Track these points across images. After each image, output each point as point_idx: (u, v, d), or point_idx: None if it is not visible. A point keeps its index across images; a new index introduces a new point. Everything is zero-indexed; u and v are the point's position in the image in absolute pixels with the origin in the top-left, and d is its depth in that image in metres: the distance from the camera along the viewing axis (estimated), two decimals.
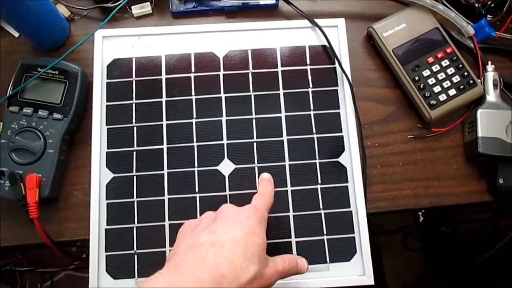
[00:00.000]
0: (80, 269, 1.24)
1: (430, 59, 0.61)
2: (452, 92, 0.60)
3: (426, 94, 0.60)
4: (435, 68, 0.61)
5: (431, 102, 0.60)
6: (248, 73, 0.62)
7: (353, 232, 0.57)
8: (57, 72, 0.59)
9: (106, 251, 0.56)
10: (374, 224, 0.57)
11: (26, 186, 0.55)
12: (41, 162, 0.57)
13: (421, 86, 0.60)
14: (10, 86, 0.59)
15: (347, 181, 0.59)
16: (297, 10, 0.65)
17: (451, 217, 1.16)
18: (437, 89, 0.60)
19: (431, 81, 0.61)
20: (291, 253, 0.57)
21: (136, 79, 0.61)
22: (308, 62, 0.63)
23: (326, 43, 0.62)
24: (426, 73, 0.61)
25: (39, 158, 0.57)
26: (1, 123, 0.59)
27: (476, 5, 0.64)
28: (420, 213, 1.22)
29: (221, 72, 0.62)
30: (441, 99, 0.60)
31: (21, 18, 0.58)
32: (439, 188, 0.61)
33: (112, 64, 0.62)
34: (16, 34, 0.65)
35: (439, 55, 0.62)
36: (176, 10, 0.66)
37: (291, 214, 0.58)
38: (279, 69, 0.62)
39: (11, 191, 0.55)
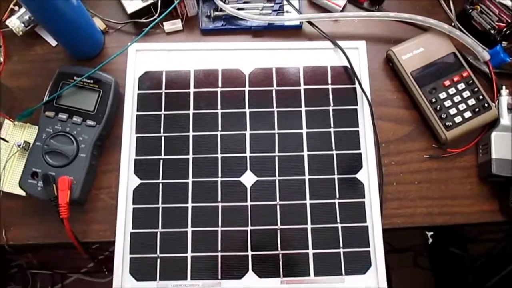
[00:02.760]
0: (92, 273, 1.25)
1: (447, 82, 0.64)
2: (467, 114, 0.63)
3: (442, 116, 0.63)
4: (451, 91, 0.64)
5: (447, 123, 0.62)
6: (272, 90, 0.65)
7: (369, 246, 0.59)
8: (92, 81, 0.63)
9: (130, 253, 0.59)
10: (384, 242, 0.59)
11: (58, 188, 0.58)
12: (73, 165, 0.60)
13: (438, 108, 0.63)
14: (46, 92, 0.62)
15: (364, 197, 0.61)
16: (320, 32, 0.68)
17: (460, 237, 1.16)
18: (453, 111, 0.63)
19: (447, 103, 0.63)
20: (308, 264, 0.58)
21: (166, 91, 0.65)
22: (329, 81, 0.65)
23: (347, 64, 0.65)
24: (442, 95, 0.63)
25: (71, 161, 0.60)
26: (37, 127, 0.62)
27: (492, 31, 0.66)
28: (428, 234, 1.23)
29: (247, 88, 0.65)
30: (457, 121, 0.62)
31: (60, 28, 0.61)
32: (452, 207, 0.63)
33: (144, 76, 0.65)
34: (54, 43, 0.69)
35: (455, 79, 0.64)
36: (205, 27, 0.69)
37: (309, 226, 0.60)
38: (302, 87, 0.65)
39: (43, 192, 0.58)
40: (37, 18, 0.61)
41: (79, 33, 0.64)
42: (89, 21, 0.65)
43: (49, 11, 0.56)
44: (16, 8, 0.67)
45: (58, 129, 0.61)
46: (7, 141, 0.63)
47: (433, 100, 0.63)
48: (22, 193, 0.60)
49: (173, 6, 0.65)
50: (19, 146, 0.61)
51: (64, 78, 0.62)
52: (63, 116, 0.61)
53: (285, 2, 0.69)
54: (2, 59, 0.67)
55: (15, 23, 0.66)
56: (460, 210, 0.62)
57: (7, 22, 0.66)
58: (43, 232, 0.62)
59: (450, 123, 0.62)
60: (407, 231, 0.79)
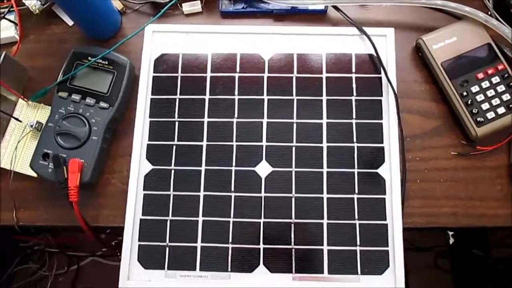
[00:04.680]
0: (107, 257, 1.26)
1: (480, 75, 0.60)
2: (501, 110, 0.59)
3: (474, 111, 0.59)
4: (485, 84, 0.59)
5: (478, 119, 0.58)
6: (292, 77, 0.62)
7: (387, 246, 0.56)
8: (106, 63, 0.61)
9: (139, 240, 0.57)
10: (404, 240, 0.56)
11: (69, 170, 0.56)
12: (85, 148, 0.58)
13: (469, 102, 0.59)
14: (61, 72, 0.61)
15: (384, 193, 0.58)
16: (346, 17, 0.64)
17: (484, 240, 1.12)
18: (485, 106, 0.59)
19: (480, 97, 0.59)
20: (322, 261, 0.56)
21: (182, 75, 0.62)
22: (353, 70, 0.62)
23: (373, 52, 0.62)
24: (474, 89, 0.59)
25: (83, 144, 0.58)
26: (50, 108, 0.61)
27: None
28: (449, 233, 1.19)
29: (265, 74, 0.62)
30: (489, 117, 0.58)
31: (77, 7, 0.60)
32: (480, 208, 0.59)
33: (160, 59, 0.63)
34: (70, 23, 0.68)
35: (490, 72, 0.60)
36: (225, 10, 0.67)
37: (325, 221, 0.57)
38: (324, 75, 0.62)
39: (53, 173, 0.57)
40: None
41: (95, 13, 0.62)
42: (106, 1, 0.63)
43: None
44: None
45: (71, 110, 0.59)
46: (20, 121, 0.62)
47: (464, 93, 0.59)
48: (34, 174, 0.60)
49: None
50: (31, 126, 0.60)
51: (78, 58, 0.61)
52: (76, 97, 0.60)
53: None
54: (18, 38, 0.66)
55: (32, 1, 0.65)
56: (488, 212, 0.58)
57: (24, 0, 0.65)
58: (53, 215, 0.61)
59: (482, 119, 0.58)
60: (429, 229, 0.76)
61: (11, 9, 0.66)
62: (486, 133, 0.58)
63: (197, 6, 0.66)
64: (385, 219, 0.57)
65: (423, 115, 0.62)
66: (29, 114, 0.63)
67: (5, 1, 0.68)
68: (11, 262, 1.23)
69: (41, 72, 0.66)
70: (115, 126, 0.62)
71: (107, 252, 1.22)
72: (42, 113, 0.63)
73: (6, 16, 0.66)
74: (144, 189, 0.59)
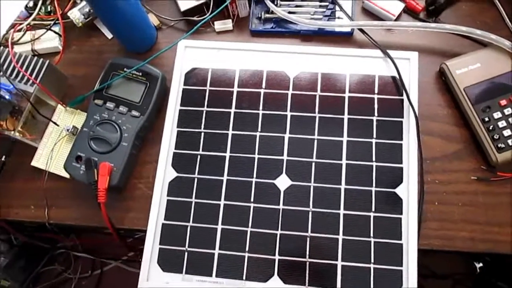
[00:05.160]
0: (130, 262, 1.29)
1: (503, 102, 0.60)
2: None
3: (495, 137, 0.59)
4: (507, 111, 0.60)
5: (499, 145, 0.58)
6: (315, 95, 0.64)
7: (401, 265, 0.56)
8: (140, 74, 0.65)
9: (160, 244, 0.60)
10: (422, 265, 0.56)
11: (99, 173, 0.60)
12: (115, 153, 0.62)
13: (491, 128, 0.59)
14: (98, 81, 0.65)
15: (401, 213, 0.58)
16: (371, 40, 0.66)
17: (510, 272, 1.08)
18: (507, 132, 0.59)
19: (502, 123, 0.59)
20: (336, 276, 0.57)
21: (210, 88, 0.66)
22: (376, 91, 0.64)
23: (396, 74, 0.63)
24: (497, 115, 0.60)
25: (113, 149, 0.62)
26: (86, 114, 0.65)
27: None
28: (477, 265, 1.16)
29: (290, 92, 0.65)
30: (510, 143, 0.58)
31: (117, 22, 0.64)
32: (498, 234, 0.58)
33: (190, 72, 0.67)
34: (109, 36, 0.72)
35: None
36: (255, 29, 0.70)
37: (340, 237, 0.58)
38: (346, 94, 0.64)
39: (85, 175, 0.60)
40: (96, 11, 0.64)
41: (134, 28, 0.66)
42: (144, 17, 0.67)
43: (108, 5, 0.58)
44: (78, 0, 0.71)
45: (105, 117, 0.63)
46: (58, 125, 0.66)
47: (486, 119, 0.60)
48: (66, 175, 0.63)
49: (224, 5, 0.66)
50: (68, 130, 0.64)
51: (115, 69, 0.65)
52: (110, 105, 0.63)
53: (337, 8, 0.68)
54: (61, 48, 0.71)
55: (75, 14, 0.70)
56: (506, 239, 0.58)
57: (68, 14, 0.70)
58: (81, 215, 0.64)
59: (503, 145, 0.59)
60: (450, 257, 0.75)
61: (56, 22, 0.71)
62: (507, 159, 0.58)
63: (228, 25, 0.70)
64: (400, 239, 0.57)
65: (444, 138, 0.63)
66: (66, 119, 0.67)
67: (51, 14, 0.73)
68: (39, 262, 1.28)
69: (80, 80, 0.70)
70: (144, 134, 0.65)
71: (131, 257, 1.25)
72: (78, 119, 0.67)
73: (52, 28, 0.71)
74: (168, 195, 0.62)
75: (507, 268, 1.09)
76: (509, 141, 0.59)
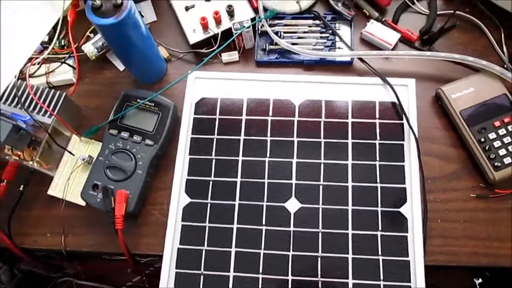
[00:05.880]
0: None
1: (497, 123, 0.64)
2: None
3: (491, 156, 0.63)
4: (502, 132, 0.64)
5: (496, 164, 0.62)
6: (320, 121, 0.68)
7: (410, 282, 0.59)
8: (153, 104, 0.68)
9: (176, 268, 0.62)
10: (430, 284, 0.58)
11: (116, 200, 0.62)
12: (130, 180, 0.64)
13: (487, 148, 0.63)
14: (112, 112, 0.68)
15: (407, 231, 0.61)
16: (371, 68, 0.70)
17: None
18: (502, 152, 0.63)
19: (497, 143, 0.63)
20: None
21: (220, 117, 0.69)
22: (377, 116, 0.67)
23: (395, 100, 0.67)
24: (492, 135, 0.64)
25: (129, 177, 0.64)
26: (100, 143, 0.67)
27: None
28: (476, 281, 1.17)
29: (296, 118, 0.68)
30: (506, 162, 0.62)
31: (130, 55, 0.67)
32: (499, 249, 0.61)
33: (200, 102, 0.70)
34: (121, 68, 0.76)
35: (506, 120, 0.64)
36: (260, 59, 0.74)
37: (350, 256, 0.60)
38: (349, 120, 0.67)
39: (102, 203, 0.63)
40: (111, 45, 0.67)
41: (146, 60, 0.70)
42: (155, 50, 0.71)
43: (124, 39, 0.61)
44: (92, 35, 0.75)
45: (120, 146, 0.66)
46: (73, 154, 0.69)
47: (482, 139, 0.64)
48: (82, 203, 0.66)
49: (231, 39, 0.70)
50: (83, 159, 0.67)
51: (128, 100, 0.68)
52: (125, 134, 0.66)
53: (337, 39, 0.73)
54: (75, 80, 0.74)
55: (89, 48, 0.73)
56: (507, 253, 0.61)
57: (83, 47, 0.73)
58: (97, 241, 0.66)
59: (499, 164, 0.62)
60: (450, 273, 0.78)
61: (71, 55, 0.74)
62: (503, 177, 0.62)
63: (234, 56, 0.74)
64: (407, 256, 0.60)
65: (443, 159, 0.66)
66: (81, 148, 0.69)
67: (64, 48, 0.77)
68: None
69: (93, 111, 0.73)
70: (158, 162, 0.68)
71: (136, 282, 1.25)
72: (92, 148, 0.69)
73: (66, 61, 0.75)
74: (182, 220, 0.64)
75: (507, 283, 1.11)
76: (504, 159, 0.62)
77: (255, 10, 0.74)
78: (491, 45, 0.72)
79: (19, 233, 0.67)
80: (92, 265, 1.26)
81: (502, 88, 0.66)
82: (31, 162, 0.65)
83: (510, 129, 0.64)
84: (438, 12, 0.73)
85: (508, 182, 0.63)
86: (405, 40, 0.73)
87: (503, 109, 0.65)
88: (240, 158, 0.66)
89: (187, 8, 0.74)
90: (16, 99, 0.66)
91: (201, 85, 0.71)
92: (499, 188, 0.63)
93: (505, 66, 0.69)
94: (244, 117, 0.69)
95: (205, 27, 0.72)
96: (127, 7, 0.57)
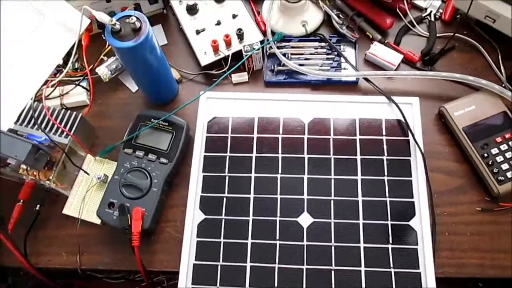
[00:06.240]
0: None
1: (499, 139, 0.67)
2: None
3: (495, 170, 0.65)
4: (503, 147, 0.66)
5: (499, 178, 0.65)
6: (329, 138, 0.70)
7: None
8: (166, 124, 0.70)
9: (192, 283, 0.63)
10: None
11: (132, 218, 0.63)
12: (146, 198, 0.66)
13: (490, 163, 0.66)
14: (126, 132, 0.70)
15: (417, 244, 0.63)
16: (376, 88, 0.73)
17: None
18: (505, 166, 0.65)
19: (499, 158, 0.66)
20: None
21: (232, 135, 0.71)
22: (384, 133, 0.70)
23: (401, 117, 0.70)
24: (494, 151, 0.66)
25: (144, 194, 0.66)
26: (114, 162, 0.69)
27: None
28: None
29: (306, 136, 0.70)
30: (509, 176, 0.65)
31: (144, 76, 0.70)
32: (505, 260, 0.63)
33: (212, 121, 0.72)
34: (134, 90, 0.78)
35: (507, 136, 0.67)
36: (269, 80, 0.77)
37: (362, 269, 0.62)
38: (357, 137, 0.70)
39: (118, 221, 0.64)
40: (128, 66, 0.69)
41: (160, 81, 0.72)
42: (168, 71, 0.73)
43: (141, 61, 0.64)
44: (105, 58, 0.77)
45: (135, 165, 0.67)
46: (88, 174, 0.70)
47: (485, 155, 0.66)
48: (97, 221, 0.67)
49: (242, 61, 0.72)
50: (98, 178, 0.68)
51: (142, 120, 0.70)
52: (139, 153, 0.68)
53: (342, 60, 0.76)
54: (89, 102, 0.76)
55: (103, 71, 0.75)
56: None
57: (96, 70, 0.75)
58: (112, 259, 0.67)
59: (502, 178, 0.65)
60: (460, 284, 0.79)
61: (85, 77, 0.76)
62: (507, 190, 0.65)
63: (244, 77, 0.77)
64: (418, 268, 0.62)
65: (448, 173, 0.69)
66: (96, 168, 0.71)
67: (78, 71, 0.79)
68: None
69: (106, 131, 0.75)
70: (172, 179, 0.69)
71: None
72: (106, 167, 0.71)
73: (80, 84, 0.77)
74: (197, 237, 0.65)
75: (507, 284, 1.12)
76: (507, 173, 0.65)
77: (263, 33, 0.77)
78: (489, 65, 0.76)
79: (35, 253, 0.67)
80: (99, 284, 1.25)
81: (501, 106, 0.69)
82: (48, 182, 0.66)
83: (511, 145, 0.66)
84: (437, 35, 0.77)
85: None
86: (407, 61, 0.77)
87: (504, 126, 0.68)
88: (253, 174, 0.68)
89: (197, 32, 0.77)
90: (33, 120, 0.68)
91: (213, 105, 0.73)
92: (503, 201, 0.66)
93: (504, 85, 0.73)
94: (255, 135, 0.71)
95: (215, 49, 0.75)
96: (146, 30, 0.60)
